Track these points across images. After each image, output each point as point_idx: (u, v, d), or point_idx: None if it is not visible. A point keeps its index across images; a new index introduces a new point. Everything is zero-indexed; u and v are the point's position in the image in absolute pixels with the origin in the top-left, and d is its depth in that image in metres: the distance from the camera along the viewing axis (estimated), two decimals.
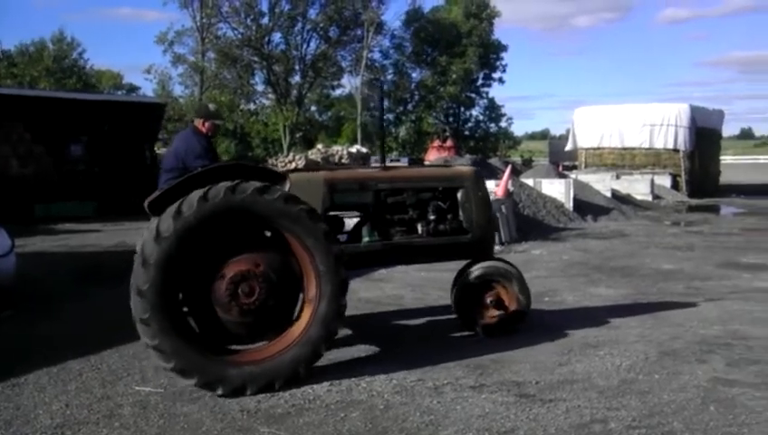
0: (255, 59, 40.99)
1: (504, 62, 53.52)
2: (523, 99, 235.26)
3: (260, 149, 45.88)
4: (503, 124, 55.23)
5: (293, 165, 23.23)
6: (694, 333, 6.96)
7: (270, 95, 43.05)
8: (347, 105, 50.81)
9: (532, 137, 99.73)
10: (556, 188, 18.91)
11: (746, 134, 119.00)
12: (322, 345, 5.49)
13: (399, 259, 6.99)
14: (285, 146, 39.81)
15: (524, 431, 4.61)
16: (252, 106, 44.96)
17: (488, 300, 6.78)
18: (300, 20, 41.64)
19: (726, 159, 44.61)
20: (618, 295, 9.02)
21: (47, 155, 20.76)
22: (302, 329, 5.49)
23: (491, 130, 54.63)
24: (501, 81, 53.72)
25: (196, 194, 5.24)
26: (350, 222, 6.94)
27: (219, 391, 5.22)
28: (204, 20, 36.66)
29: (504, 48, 53.37)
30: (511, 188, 15.47)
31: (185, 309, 5.51)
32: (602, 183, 22.63)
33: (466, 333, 7.07)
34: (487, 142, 53.12)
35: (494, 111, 54.29)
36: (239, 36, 39.87)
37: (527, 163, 35.18)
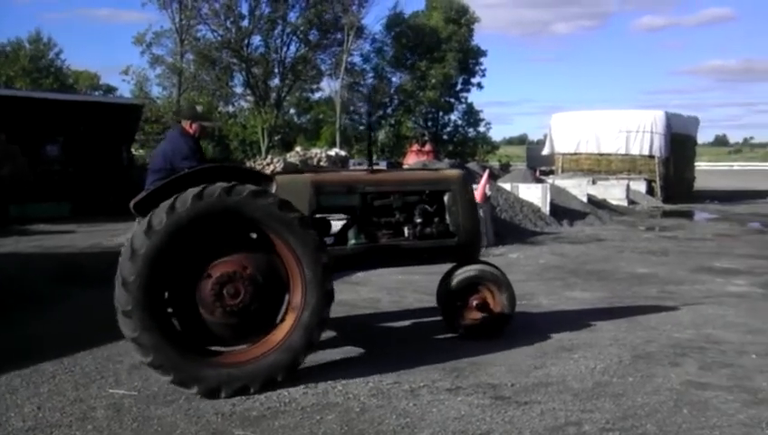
0: (234, 61, 40.84)
1: (483, 68, 53.92)
2: (502, 104, 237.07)
3: (238, 151, 45.69)
4: (481, 129, 55.59)
5: (272, 168, 23.17)
6: (667, 337, 7.03)
7: (249, 97, 42.90)
8: (326, 108, 50.76)
9: (510, 142, 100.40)
10: (533, 193, 19.02)
11: (721, 141, 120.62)
12: (303, 353, 5.49)
13: (385, 262, 6.99)
14: (264, 149, 39.67)
15: (499, 434, 4.63)
16: (230, 108, 44.79)
17: (474, 302, 6.80)
18: (280, 23, 41.55)
19: (701, 165, 45.17)
20: (593, 299, 9.09)
21: (22, 155, 20.53)
22: (283, 335, 5.48)
23: (469, 135, 54.91)
24: (480, 86, 54.11)
25: (192, 192, 5.25)
26: (337, 224, 6.95)
27: (194, 390, 5.21)
28: (183, 21, 36.46)
29: (484, 53, 53.77)
30: (488, 193, 15.54)
31: (169, 310, 5.49)
32: (579, 188, 22.83)
33: (443, 336, 7.10)
34: (466, 147, 53.36)
35: (472, 115, 54.60)
36: (218, 38, 39.72)
37: (505, 168, 35.36)
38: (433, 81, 48.46)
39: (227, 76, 41.75)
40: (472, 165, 27.88)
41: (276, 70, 42.48)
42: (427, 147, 27.97)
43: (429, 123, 52.29)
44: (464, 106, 54.19)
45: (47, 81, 51.30)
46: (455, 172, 7.53)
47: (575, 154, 30.40)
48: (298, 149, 30.44)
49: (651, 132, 28.62)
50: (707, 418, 4.88)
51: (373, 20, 71.92)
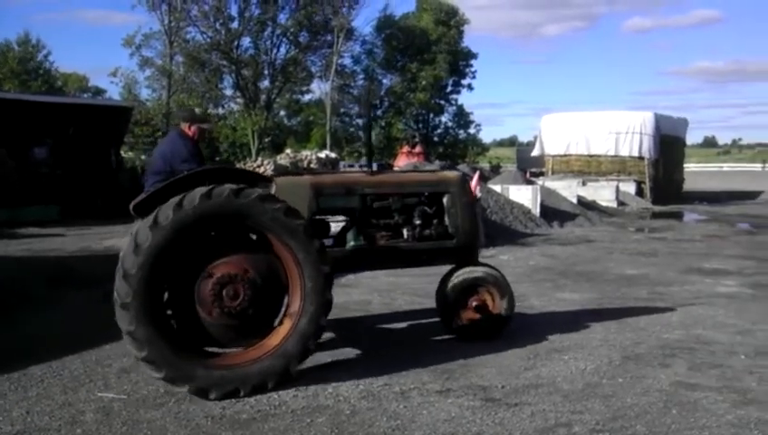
0: (224, 63, 40.75)
1: (473, 70, 54.03)
2: (492, 106, 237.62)
3: (228, 153, 45.60)
4: (471, 131, 55.71)
5: (262, 170, 23.12)
6: (657, 338, 7.06)
7: (239, 100, 42.82)
8: (316, 110, 50.73)
9: (501, 143, 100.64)
10: (523, 195, 19.08)
11: (710, 142, 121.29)
12: (297, 360, 5.47)
13: (384, 263, 7.00)
14: (254, 151, 39.60)
15: None
16: (220, 110, 44.68)
17: (473, 304, 6.79)
18: (270, 25, 41.48)
19: (690, 166, 45.37)
20: (583, 300, 9.11)
21: (10, 159, 20.42)
22: (278, 341, 5.48)
23: (460, 137, 55.02)
24: (470, 87, 54.23)
25: (200, 190, 5.27)
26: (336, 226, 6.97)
27: (184, 389, 5.20)
28: (172, 23, 36.34)
29: (474, 55, 53.89)
30: (479, 194, 15.55)
31: (168, 312, 5.50)
32: (569, 190, 22.91)
33: (433, 338, 7.11)
34: (456, 148, 53.46)
35: (462, 117, 54.71)
36: (208, 40, 39.61)
37: (495, 169, 35.46)
38: (423, 82, 48.54)
39: (217, 78, 41.66)
40: (462, 167, 27.92)
41: (266, 72, 42.42)
42: (418, 148, 27.93)
43: (420, 125, 52.34)
44: (454, 108, 54.33)
45: (36, 83, 51.10)
46: (453, 174, 7.54)
47: (565, 155, 30.51)
48: (288, 151, 30.41)
49: (640, 134, 28.76)
50: (696, 418, 4.90)
51: (363, 22, 71.93)
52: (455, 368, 6.01)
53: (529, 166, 33.71)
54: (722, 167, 70.01)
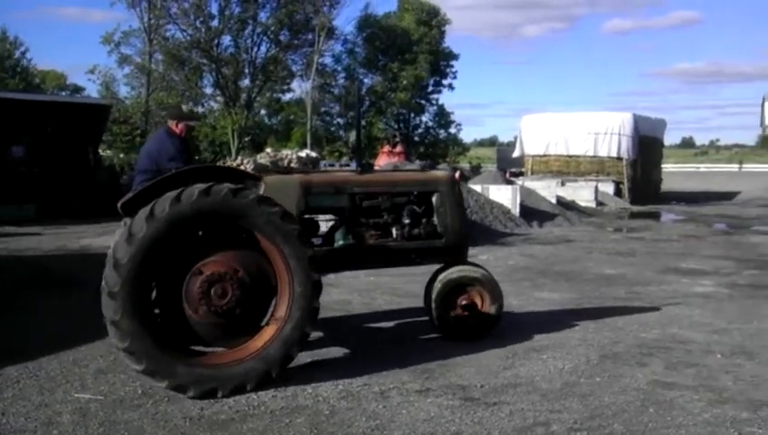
0: (204, 61, 40.50)
1: (454, 70, 54.16)
2: (473, 106, 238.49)
3: (208, 152, 45.34)
4: (452, 130, 55.83)
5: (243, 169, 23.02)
6: (634, 337, 7.11)
7: (219, 98, 42.59)
8: (297, 109, 50.61)
9: (481, 144, 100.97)
10: (503, 195, 19.16)
11: (687, 143, 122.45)
12: (278, 366, 5.45)
13: (373, 262, 6.98)
14: (233, 150, 39.41)
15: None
16: (200, 109, 44.40)
17: (462, 303, 6.81)
18: (250, 23, 41.30)
19: (668, 167, 45.77)
20: (561, 300, 9.16)
21: None
22: (262, 344, 5.46)
23: (440, 137, 55.12)
24: (451, 87, 54.36)
25: (199, 187, 5.27)
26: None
27: (163, 384, 5.19)
28: (152, 21, 36.09)
29: (455, 56, 54.01)
30: None
31: (155, 307, 5.49)
32: (548, 190, 23.04)
33: (413, 338, 7.12)
34: (437, 148, 53.56)
35: (443, 117, 54.82)
36: (188, 38, 39.37)
37: (476, 169, 35.57)
38: (404, 82, 48.58)
39: (197, 76, 41.40)
40: (443, 166, 28.00)
41: (247, 70, 42.22)
42: (399, 148, 27.95)
43: (401, 125, 52.38)
44: (435, 108, 54.42)
45: (13, 81, 50.51)
46: (443, 174, 7.58)
47: (545, 156, 30.67)
48: (268, 150, 30.24)
49: (619, 134, 28.98)
50: (673, 417, 4.94)
51: (344, 21, 71.82)
52: (434, 367, 6.02)
53: (509, 166, 33.87)
54: (699, 167, 70.72)
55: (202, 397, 5.21)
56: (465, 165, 42.07)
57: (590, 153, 29.64)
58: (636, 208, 26.58)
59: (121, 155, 36.83)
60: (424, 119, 54.57)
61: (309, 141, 42.88)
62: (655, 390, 5.52)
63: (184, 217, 5.25)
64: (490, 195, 19.00)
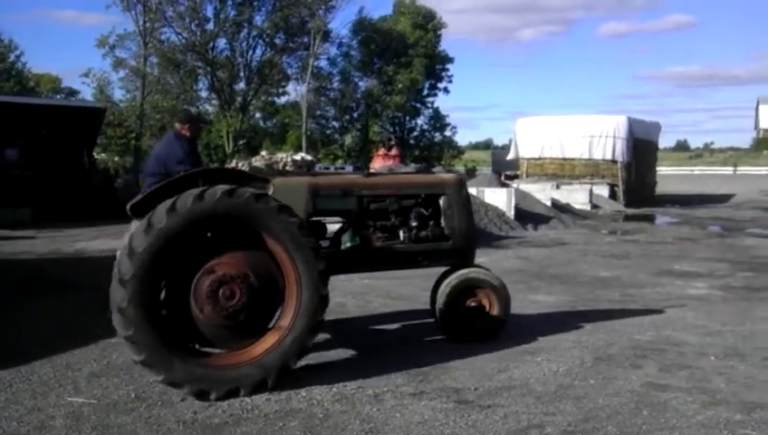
0: (199, 64, 40.44)
1: (449, 73, 54.21)
2: (468, 109, 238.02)
3: (203, 155, 45.24)
4: (447, 133, 55.87)
5: None
6: (628, 339, 7.12)
7: (214, 101, 42.53)
8: (292, 112, 50.58)
9: (476, 147, 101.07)
10: (498, 197, 19.18)
11: (682, 146, 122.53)
12: (275, 375, 5.43)
13: (381, 265, 6.98)
14: (229, 153, 39.37)
15: None
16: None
17: (469, 306, 6.82)
18: (245, 26, 41.27)
19: (662, 170, 45.84)
20: (556, 302, 9.17)
21: None
22: (261, 351, 5.47)
23: (436, 140, 55.14)
24: (446, 90, 54.39)
25: (221, 188, 5.31)
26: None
27: (158, 378, 5.21)
28: (147, 24, 36.03)
29: (450, 59, 54.08)
30: None
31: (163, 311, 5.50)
32: (543, 192, 23.07)
33: (407, 340, 7.12)
34: (432, 151, 53.58)
35: (438, 120, 54.84)
36: (183, 41, 39.32)
37: (471, 172, 35.59)
38: (400, 85, 48.60)
39: (192, 79, 41.33)
40: (438, 169, 28.01)
41: (242, 73, 42.16)
42: (394, 151, 27.99)
43: (396, 128, 52.40)
44: (430, 111, 54.45)
45: (8, 84, 50.37)
46: (451, 176, 7.60)
47: (539, 159, 30.70)
48: (263, 153, 30.25)
49: (614, 137, 29.03)
50: (667, 419, 4.95)
51: (339, 24, 71.82)
52: (428, 370, 6.01)
53: (504, 169, 33.92)
54: (693, 170, 70.85)
55: (196, 396, 5.21)
56: (460, 168, 42.10)
57: (585, 156, 29.68)
58: (630, 211, 26.62)
59: (116, 158, 36.79)
60: (419, 122, 54.64)
61: (304, 144, 42.83)
62: (649, 392, 5.52)
63: (204, 215, 5.28)
64: (485, 198, 19.02)
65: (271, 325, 5.59)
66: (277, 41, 42.75)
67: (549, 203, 22.05)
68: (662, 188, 35.71)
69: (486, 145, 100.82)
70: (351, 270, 6.88)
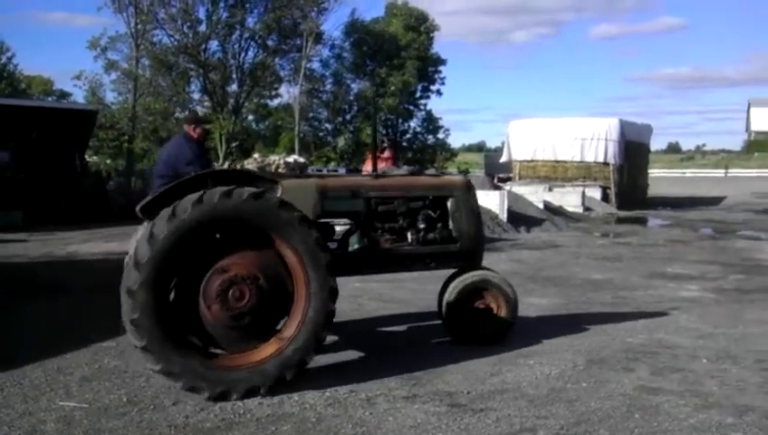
0: (191, 66, 40.32)
1: (442, 75, 54.23)
2: (461, 111, 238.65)
3: None
4: (440, 136, 55.83)
5: None
6: (621, 342, 7.14)
7: (206, 104, 42.42)
8: (285, 115, 50.51)
9: (469, 149, 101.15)
10: (491, 200, 19.18)
11: (673, 148, 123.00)
12: (269, 383, 5.42)
13: (388, 267, 6.97)
14: (221, 155, 39.28)
15: None
16: (187, 114, 44.23)
17: (477, 308, 6.84)
18: (238, 28, 41.18)
19: (654, 172, 46.03)
20: (549, 305, 9.19)
21: None
22: (260, 358, 5.47)
23: (428, 142, 55.12)
24: (439, 93, 54.40)
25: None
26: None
27: (156, 368, 5.23)
28: (139, 26, 35.93)
29: (443, 62, 54.07)
30: None
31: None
32: (535, 195, 23.11)
33: (400, 344, 7.12)
34: (425, 154, 53.55)
35: (431, 122, 54.84)
36: (175, 43, 39.21)
37: (464, 175, 35.60)
38: (392, 88, 48.59)
39: (184, 82, 41.20)
40: (431, 172, 28.03)
41: (234, 75, 42.06)
42: (387, 153, 28.07)
43: (389, 130, 52.40)
44: (423, 113, 54.45)
45: None
46: (458, 178, 7.65)
47: (532, 161, 30.77)
48: (256, 155, 30.20)
49: (606, 140, 29.12)
50: (659, 422, 4.96)
51: (332, 26, 71.84)
52: (421, 374, 6.01)
53: (497, 171, 33.99)
54: (685, 172, 71.16)
55: (189, 390, 5.25)
56: (453, 170, 42.13)
57: (577, 158, 29.75)
58: (622, 213, 26.69)
59: (108, 161, 36.66)
60: (412, 124, 54.62)
61: (297, 147, 42.77)
62: (641, 395, 5.53)
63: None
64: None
65: (274, 333, 5.59)
66: (269, 43, 42.68)
67: (541, 205, 22.09)
68: (654, 190, 35.84)
69: (479, 147, 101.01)
70: (359, 272, 6.88)
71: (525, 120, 32.70)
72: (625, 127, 29.91)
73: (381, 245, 6.68)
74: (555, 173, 29.97)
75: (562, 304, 9.23)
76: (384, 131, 51.26)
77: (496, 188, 22.26)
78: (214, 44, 41.18)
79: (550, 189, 25.87)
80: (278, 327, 5.61)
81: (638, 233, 20.09)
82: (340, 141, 49.32)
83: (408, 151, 52.32)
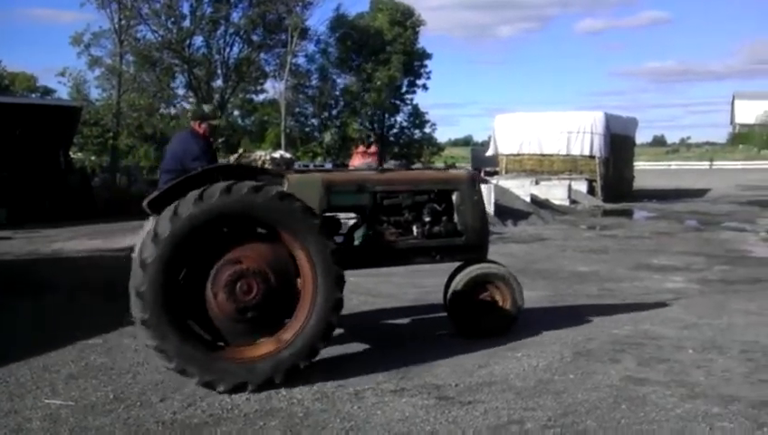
0: (176, 62, 40.10)
1: (428, 70, 54.18)
2: (447, 106, 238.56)
3: None
4: (426, 130, 55.79)
5: None
6: (607, 334, 7.17)
7: (191, 99, 42.18)
8: (271, 110, 50.33)
9: (456, 143, 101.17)
10: None
11: (658, 141, 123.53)
12: (257, 383, 5.40)
13: (394, 260, 6.99)
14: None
15: (443, 434, 4.65)
16: (172, 110, 43.95)
17: (482, 300, 6.88)
18: (222, 23, 40.98)
19: (640, 165, 46.18)
20: (536, 298, 9.18)
21: None
22: (254, 355, 5.48)
23: (415, 137, 55.09)
24: (425, 88, 54.35)
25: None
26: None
27: (152, 343, 5.25)
28: (122, 21, 35.68)
29: (429, 56, 54.01)
30: None
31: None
32: (522, 188, 23.15)
33: (388, 338, 7.13)
34: (411, 148, 53.52)
35: (418, 117, 54.81)
36: (159, 39, 38.98)
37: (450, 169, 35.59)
38: (378, 83, 48.52)
39: (169, 77, 40.96)
40: (417, 166, 28.03)
41: (219, 71, 41.88)
42: (373, 148, 28.04)
43: (375, 125, 52.34)
44: (409, 108, 54.40)
45: None
46: (463, 173, 7.72)
47: (518, 155, 30.82)
48: (241, 150, 30.11)
49: (591, 133, 29.19)
50: (646, 413, 4.98)
51: (317, 21, 71.51)
52: (409, 368, 6.02)
53: (483, 165, 33.98)
54: (670, 165, 71.50)
55: (179, 373, 5.30)
56: (439, 165, 42.14)
57: (563, 152, 29.82)
58: (608, 206, 26.79)
59: (93, 157, 36.38)
60: (398, 119, 54.56)
61: (283, 142, 42.65)
62: (627, 386, 5.56)
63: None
64: None
65: (274, 332, 5.59)
66: (254, 38, 42.50)
67: (528, 199, 22.16)
68: (639, 183, 36.00)
69: (466, 142, 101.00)
70: (365, 265, 6.89)
71: (511, 114, 32.77)
72: (610, 120, 30.01)
73: (387, 238, 6.71)
74: (541, 167, 30.03)
75: (549, 297, 9.26)
76: (370, 126, 51.20)
77: (483, 181, 22.27)
78: (198, 40, 40.95)
79: (536, 183, 25.93)
80: (279, 328, 5.61)
81: (623, 225, 20.19)
82: (327, 137, 49.19)
83: (395, 146, 52.30)
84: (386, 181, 6.85)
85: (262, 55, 43.73)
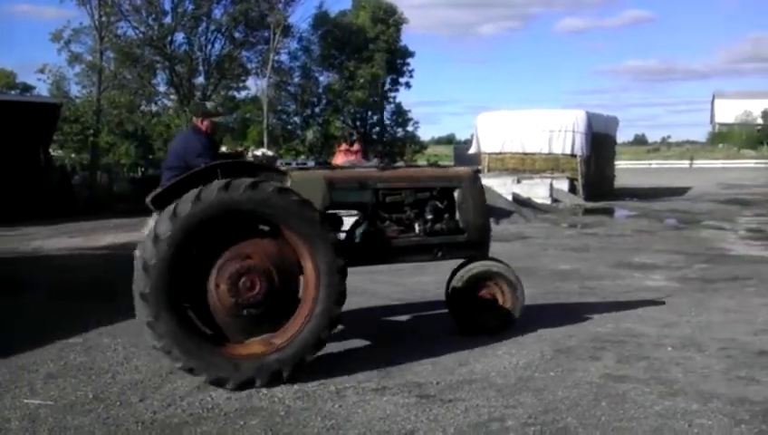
0: (157, 59, 39.83)
1: (410, 68, 54.24)
2: (430, 104, 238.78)
3: (162, 151, 44.62)
4: (409, 129, 55.85)
5: None
6: (587, 332, 7.22)
7: (172, 96, 41.94)
8: (253, 107, 50.15)
9: (439, 142, 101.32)
10: None
11: (640, 140, 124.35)
12: (238, 382, 5.38)
13: (396, 257, 7.00)
14: None
15: (424, 432, 4.66)
16: (153, 107, 43.67)
17: (483, 298, 6.91)
18: (204, 20, 40.76)
19: (621, 163, 46.48)
20: None
21: None
22: (242, 354, 5.47)
23: (398, 135, 55.14)
24: (408, 85, 54.41)
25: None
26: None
27: (148, 318, 5.23)
28: (103, 18, 35.38)
29: (411, 54, 54.08)
30: None
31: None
32: (504, 187, 23.23)
33: (369, 336, 7.12)
34: (394, 146, 53.57)
35: (400, 115, 54.85)
36: (140, 35, 38.70)
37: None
38: (361, 80, 48.50)
39: (150, 74, 40.66)
40: (400, 164, 28.05)
41: (201, 68, 41.65)
42: (356, 146, 27.93)
43: (358, 123, 52.31)
44: (392, 106, 54.42)
45: None
46: (465, 170, 7.70)
47: (500, 153, 30.88)
48: (224, 148, 29.97)
49: (573, 132, 29.32)
50: (625, 410, 5.02)
51: (299, 18, 71.39)
52: (390, 366, 6.02)
53: (466, 164, 34.00)
54: (651, 164, 72.02)
55: (166, 354, 5.31)
56: (422, 163, 42.20)
57: (545, 150, 29.91)
58: (590, 205, 26.92)
59: (73, 155, 36.04)
60: (381, 117, 54.56)
61: (265, 140, 42.52)
62: (607, 383, 5.60)
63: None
64: None
65: (266, 334, 5.59)
66: (236, 35, 42.29)
67: (510, 197, 22.23)
68: (621, 181, 36.22)
69: (449, 140, 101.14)
70: (367, 262, 6.88)
71: (494, 112, 32.81)
72: (592, 119, 30.15)
73: (389, 235, 6.73)
74: (523, 165, 30.12)
75: (530, 295, 9.19)
76: (353, 124, 51.16)
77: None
78: (180, 36, 40.65)
79: (518, 181, 26.02)
80: (272, 332, 5.60)
81: (604, 224, 20.30)
82: (309, 134, 49.07)
83: (378, 144, 52.31)
84: (388, 178, 6.86)
85: (244, 52, 43.51)
